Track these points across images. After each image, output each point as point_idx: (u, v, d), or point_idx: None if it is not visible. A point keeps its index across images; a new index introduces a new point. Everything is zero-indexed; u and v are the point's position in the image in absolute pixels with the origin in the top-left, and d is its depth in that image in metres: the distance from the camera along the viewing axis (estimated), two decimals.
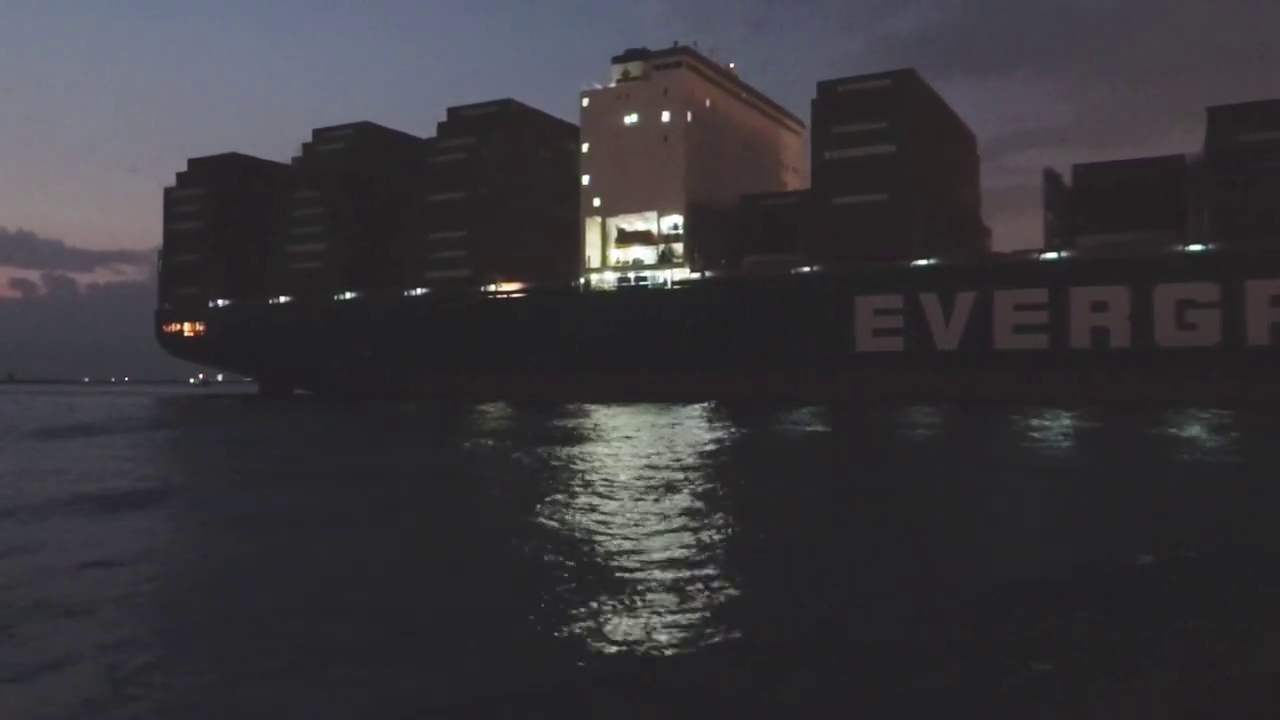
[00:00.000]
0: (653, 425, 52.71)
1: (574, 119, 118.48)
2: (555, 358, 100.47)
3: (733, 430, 51.01)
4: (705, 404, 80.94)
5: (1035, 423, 53.12)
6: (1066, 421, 55.11)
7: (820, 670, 10.15)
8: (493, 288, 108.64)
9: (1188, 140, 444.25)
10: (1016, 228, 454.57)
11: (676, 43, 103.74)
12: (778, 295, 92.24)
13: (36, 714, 9.29)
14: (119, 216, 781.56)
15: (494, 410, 75.81)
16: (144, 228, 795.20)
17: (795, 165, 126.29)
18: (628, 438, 43.13)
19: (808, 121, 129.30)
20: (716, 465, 32.43)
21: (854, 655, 10.66)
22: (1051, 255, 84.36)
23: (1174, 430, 47.32)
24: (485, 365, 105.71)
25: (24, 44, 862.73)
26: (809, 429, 54.31)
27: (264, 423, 67.76)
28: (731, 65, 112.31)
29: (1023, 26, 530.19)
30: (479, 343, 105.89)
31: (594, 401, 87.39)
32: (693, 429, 50.51)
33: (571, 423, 55.60)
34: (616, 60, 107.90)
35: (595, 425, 52.95)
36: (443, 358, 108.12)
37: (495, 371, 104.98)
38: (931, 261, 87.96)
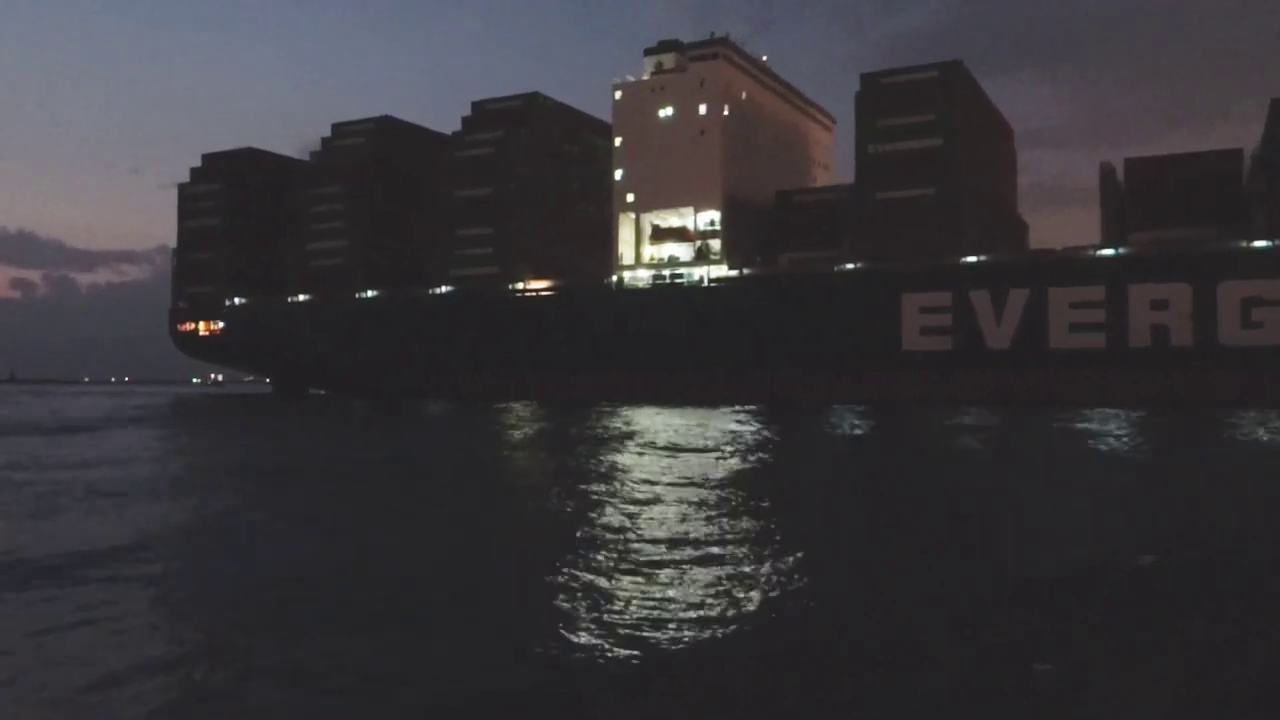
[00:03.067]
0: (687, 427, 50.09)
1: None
2: (587, 357, 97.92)
3: (776, 433, 48.50)
4: (744, 407, 78.45)
5: (1107, 436, 50.59)
6: (1131, 430, 52.67)
7: (820, 670, 10.04)
8: (521, 285, 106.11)
9: (1191, 140, 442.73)
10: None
11: (713, 33, 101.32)
12: (820, 293, 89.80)
13: None
14: (120, 216, 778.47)
15: (521, 411, 73.22)
16: (145, 228, 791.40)
17: (824, 161, 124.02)
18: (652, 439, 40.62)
19: (834, 116, 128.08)
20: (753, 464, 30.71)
21: (854, 655, 10.57)
22: (1108, 251, 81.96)
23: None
24: (513, 365, 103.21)
25: (25, 44, 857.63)
26: (857, 432, 51.82)
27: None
28: (764, 58, 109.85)
29: (1026, 26, 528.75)
30: (506, 342, 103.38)
31: (627, 403, 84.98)
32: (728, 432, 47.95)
33: (603, 428, 53.00)
34: (649, 52, 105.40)
35: (628, 428, 50.37)
36: (469, 357, 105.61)
37: (523, 371, 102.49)
38: (982, 257, 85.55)
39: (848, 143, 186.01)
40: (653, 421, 55.64)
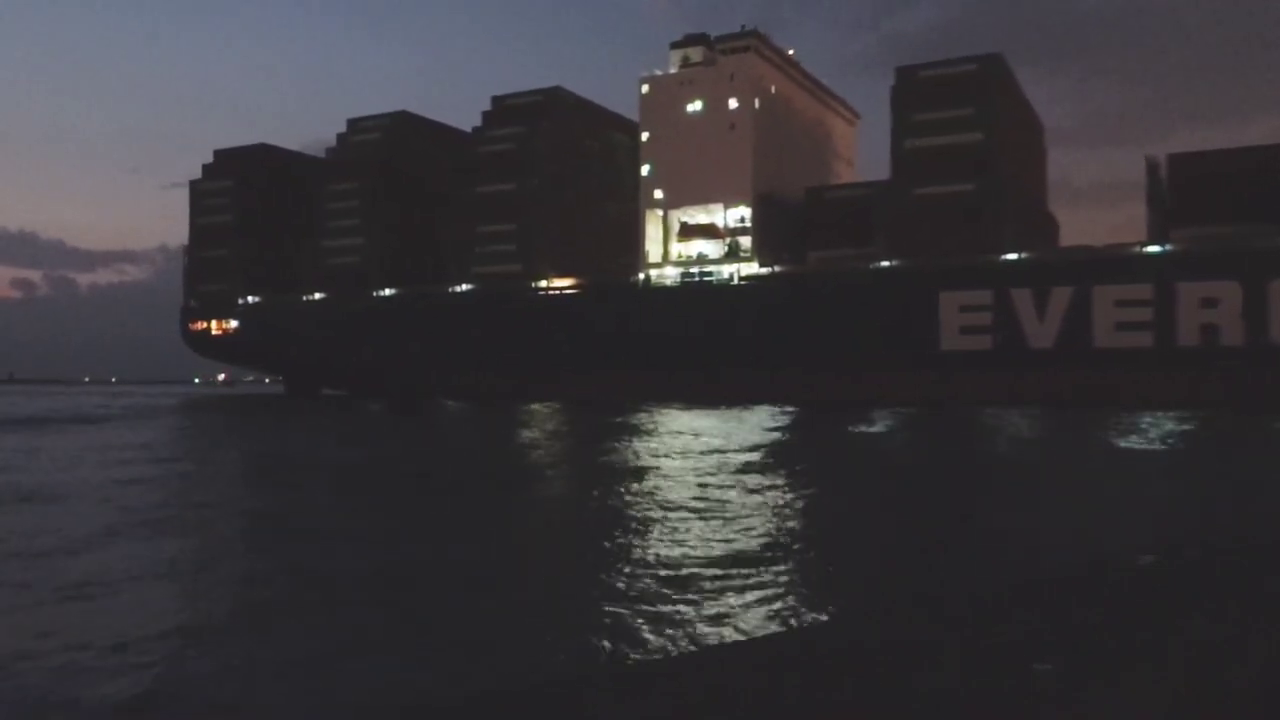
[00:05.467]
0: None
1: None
2: (614, 357, 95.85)
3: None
4: (777, 408, 76.70)
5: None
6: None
7: (820, 670, 10.15)
8: (544, 283, 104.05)
9: (1195, 140, 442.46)
10: None
11: (744, 26, 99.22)
12: (855, 291, 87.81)
13: None
14: (120, 216, 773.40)
15: (545, 412, 71.32)
16: (146, 227, 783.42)
17: (848, 156, 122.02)
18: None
19: (860, 111, 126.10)
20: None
21: (854, 655, 10.68)
22: (1155, 248, 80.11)
23: None
24: (536, 364, 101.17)
25: (24, 44, 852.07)
26: (884, 433, 49.95)
27: None
28: (791, 51, 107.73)
29: (1030, 25, 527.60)
30: (529, 341, 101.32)
31: (655, 404, 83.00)
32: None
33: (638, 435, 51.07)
34: (675, 45, 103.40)
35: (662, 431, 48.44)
36: (490, 357, 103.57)
37: (547, 371, 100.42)
38: (1023, 255, 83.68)
39: (865, 139, 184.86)
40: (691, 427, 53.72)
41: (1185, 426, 51.32)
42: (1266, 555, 16.27)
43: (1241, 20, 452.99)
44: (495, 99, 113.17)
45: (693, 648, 10.64)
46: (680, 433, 47.13)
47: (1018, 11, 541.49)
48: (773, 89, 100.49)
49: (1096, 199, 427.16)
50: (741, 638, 11.08)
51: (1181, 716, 8.84)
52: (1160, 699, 9.19)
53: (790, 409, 73.88)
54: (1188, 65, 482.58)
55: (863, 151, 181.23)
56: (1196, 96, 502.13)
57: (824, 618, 12.15)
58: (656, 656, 10.35)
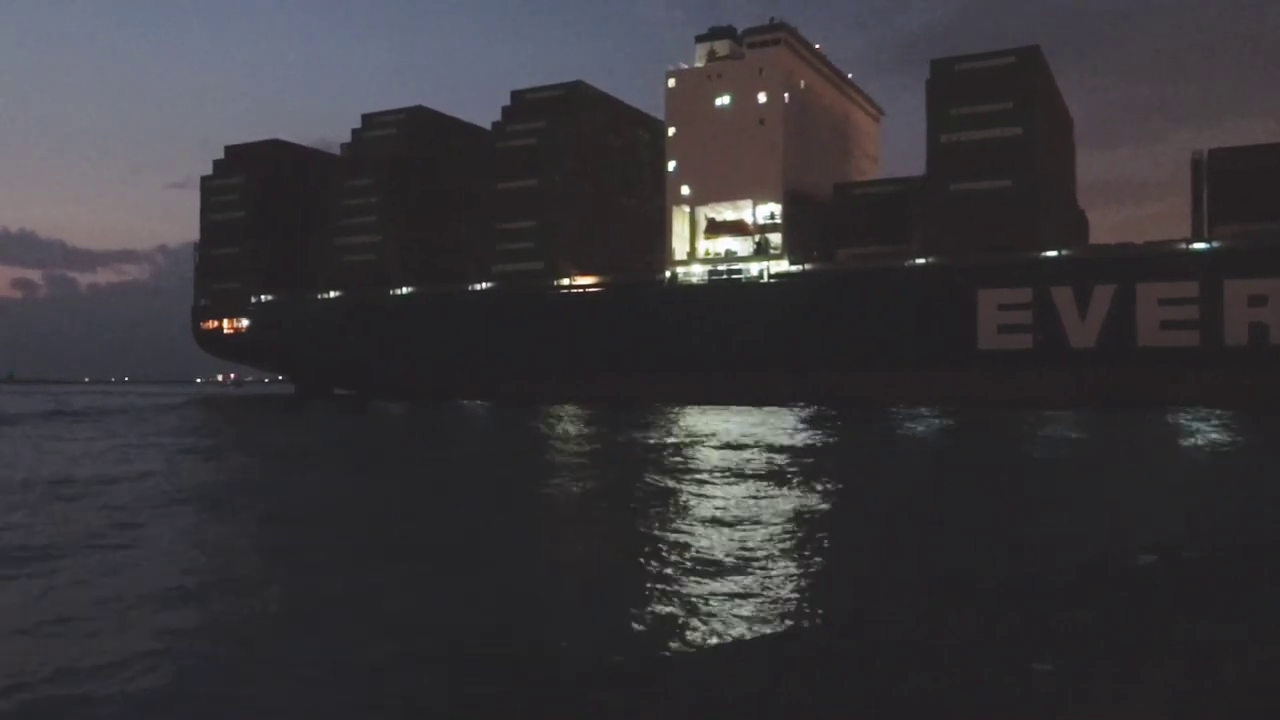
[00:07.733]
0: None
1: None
2: (639, 357, 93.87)
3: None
4: (807, 408, 75.14)
5: None
6: None
7: (821, 669, 10.07)
8: (566, 281, 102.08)
9: (1195, 138, 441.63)
10: None
11: (772, 19, 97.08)
12: (890, 289, 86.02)
13: None
14: (121, 216, 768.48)
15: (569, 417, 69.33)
16: (147, 227, 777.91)
17: (873, 153, 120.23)
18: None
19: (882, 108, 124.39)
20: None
21: (854, 655, 10.61)
22: (1201, 245, 78.41)
23: None
24: (557, 365, 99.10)
25: (25, 43, 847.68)
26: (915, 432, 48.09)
27: None
28: (817, 46, 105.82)
29: (1028, 25, 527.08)
30: (550, 341, 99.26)
31: (684, 404, 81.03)
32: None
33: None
34: (700, 39, 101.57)
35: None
36: (510, 357, 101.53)
37: (568, 372, 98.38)
38: (1063, 251, 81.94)
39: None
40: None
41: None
42: (1266, 555, 16.22)
43: (1241, 16, 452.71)
44: (515, 94, 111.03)
45: (693, 648, 10.55)
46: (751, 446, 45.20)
47: (1017, 12, 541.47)
48: (801, 83, 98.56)
49: (1100, 198, 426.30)
50: (741, 638, 10.94)
51: (1181, 716, 8.91)
52: (1160, 699, 9.22)
53: (825, 409, 72.00)
54: (1193, 61, 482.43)
55: (888, 148, 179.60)
56: (1200, 93, 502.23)
57: (824, 618, 12.07)
58: (656, 656, 10.29)
